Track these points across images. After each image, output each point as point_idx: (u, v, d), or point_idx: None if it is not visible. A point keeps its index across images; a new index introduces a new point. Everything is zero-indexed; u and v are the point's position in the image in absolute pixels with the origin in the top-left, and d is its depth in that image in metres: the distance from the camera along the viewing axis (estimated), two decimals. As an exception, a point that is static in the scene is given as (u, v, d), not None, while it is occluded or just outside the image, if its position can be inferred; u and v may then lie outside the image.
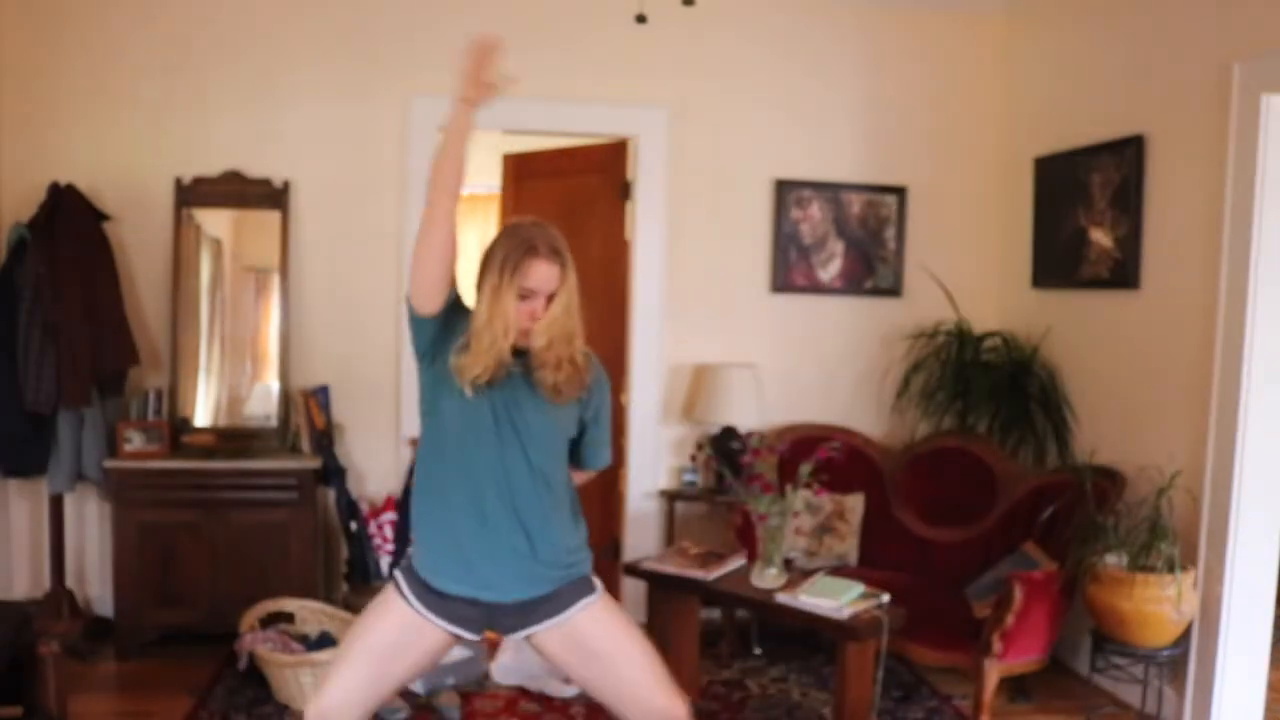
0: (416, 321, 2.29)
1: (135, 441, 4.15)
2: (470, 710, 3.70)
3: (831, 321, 4.85)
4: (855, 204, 4.82)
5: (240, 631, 3.79)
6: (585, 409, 2.36)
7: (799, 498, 3.60)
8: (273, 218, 4.43)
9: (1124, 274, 4.01)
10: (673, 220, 4.69)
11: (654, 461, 4.73)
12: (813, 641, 4.37)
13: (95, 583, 4.42)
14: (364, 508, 4.30)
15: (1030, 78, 4.73)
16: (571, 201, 4.99)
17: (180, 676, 3.91)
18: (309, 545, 4.18)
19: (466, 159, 2.21)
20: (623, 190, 4.80)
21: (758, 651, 4.34)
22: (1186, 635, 3.55)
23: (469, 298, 2.33)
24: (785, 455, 4.21)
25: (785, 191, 4.75)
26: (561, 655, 2.39)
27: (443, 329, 2.28)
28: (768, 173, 4.75)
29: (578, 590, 2.37)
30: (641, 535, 4.69)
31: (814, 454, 3.51)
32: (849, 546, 4.36)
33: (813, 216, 4.79)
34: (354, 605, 4.12)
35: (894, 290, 4.88)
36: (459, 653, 4.03)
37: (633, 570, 3.78)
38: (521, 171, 5.25)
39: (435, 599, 2.32)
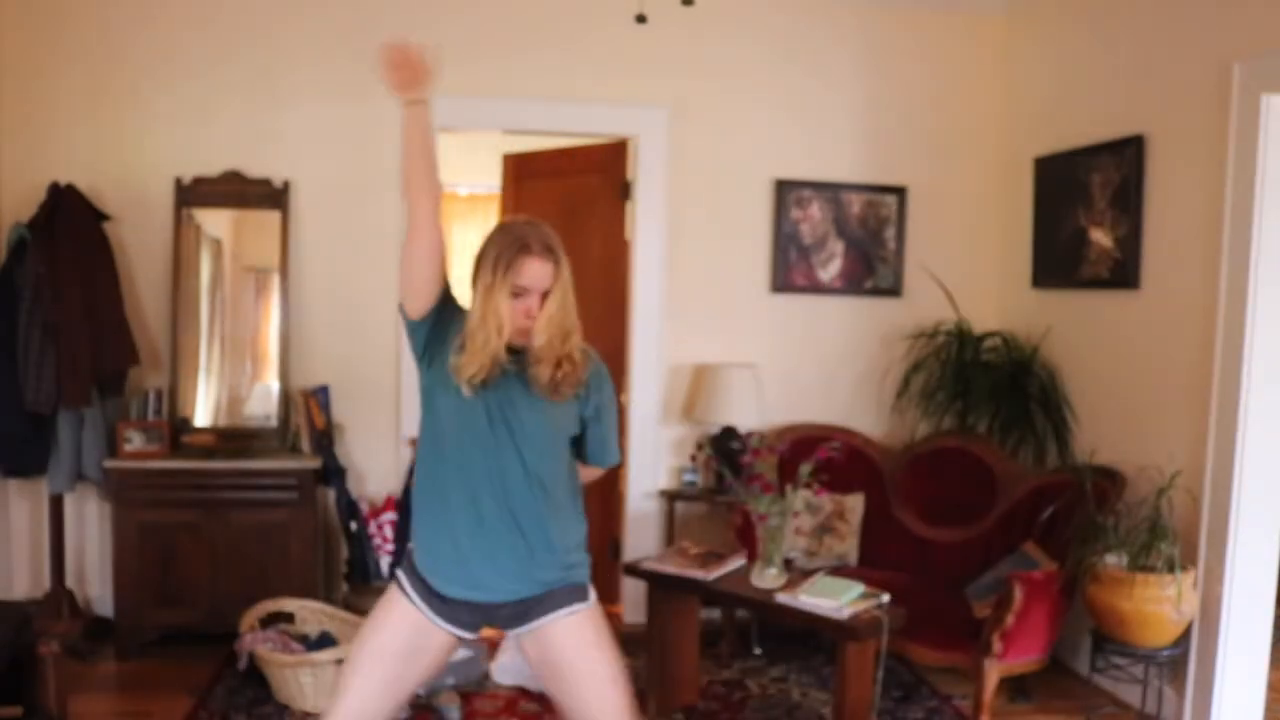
0: (410, 325, 2.30)
1: (135, 441, 4.15)
2: (470, 710, 3.70)
3: (831, 321, 4.85)
4: (855, 204, 4.82)
5: (240, 631, 3.79)
6: (584, 406, 2.35)
7: (799, 498, 3.60)
8: (273, 218, 4.43)
9: (1124, 274, 4.01)
10: (673, 220, 4.69)
11: (654, 461, 4.73)
12: (813, 641, 4.38)
13: (95, 583, 4.42)
14: (364, 508, 4.30)
15: (1030, 78, 4.73)
16: (571, 201, 4.99)
17: (180, 676, 3.92)
18: (309, 545, 4.18)
19: (435, 156, 2.21)
20: (623, 190, 4.80)
21: (758, 651, 4.34)
22: (1186, 635, 3.55)
23: (464, 298, 2.32)
24: (785, 455, 4.21)
25: (785, 191, 4.75)
26: (534, 658, 2.38)
27: (435, 330, 2.27)
28: (768, 173, 4.75)
29: (569, 596, 2.34)
30: (641, 535, 4.69)
31: (814, 454, 3.51)
32: (849, 546, 4.36)
33: (813, 216, 4.79)
34: (354, 605, 4.12)
35: (894, 290, 4.88)
36: (459, 653, 4.03)
37: (633, 570, 3.78)
38: (521, 171, 5.25)
39: (437, 601, 2.32)
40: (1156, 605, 3.41)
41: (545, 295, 2.22)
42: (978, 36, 4.88)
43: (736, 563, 3.66)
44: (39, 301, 3.98)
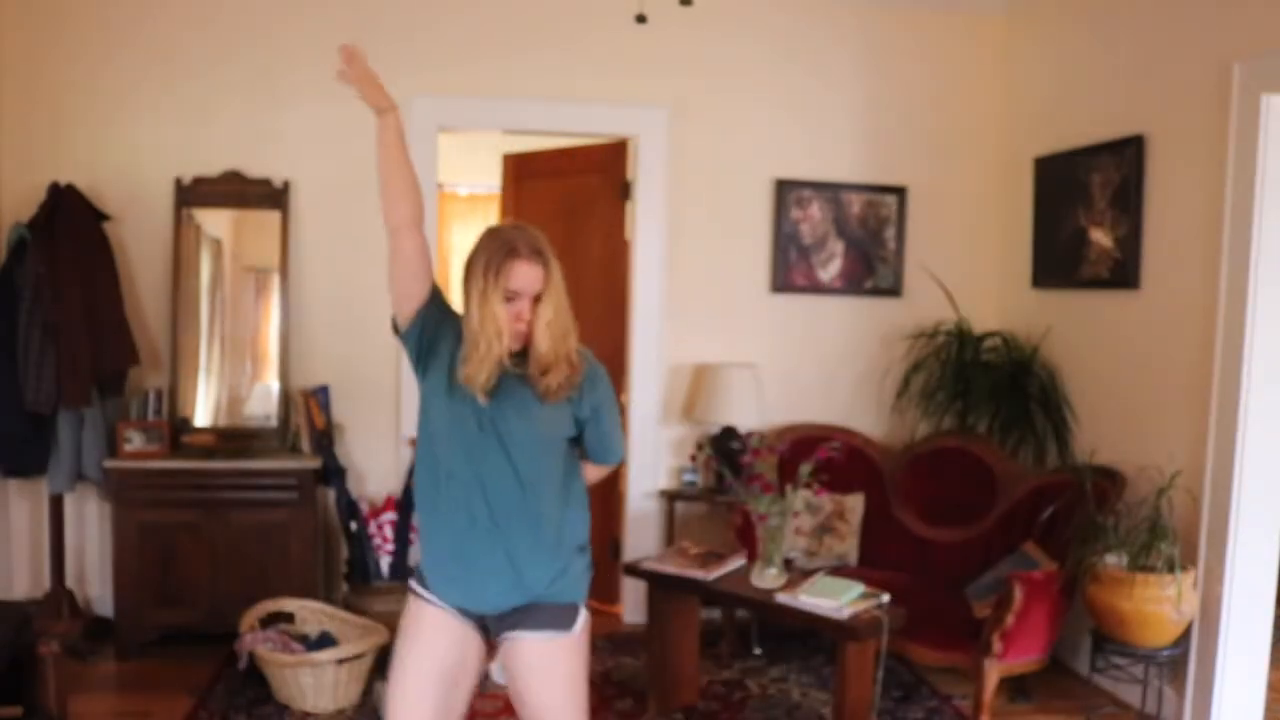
0: (402, 336, 2.30)
1: (135, 441, 4.15)
2: (470, 710, 3.69)
3: (831, 321, 4.85)
4: (855, 204, 4.82)
5: (240, 631, 3.79)
6: (579, 407, 2.32)
7: (799, 498, 3.60)
8: (273, 218, 4.43)
9: (1124, 274, 4.01)
10: (673, 220, 4.69)
11: (654, 461, 4.73)
12: (813, 641, 4.38)
13: (95, 583, 4.42)
14: (364, 508, 4.30)
15: (1030, 78, 4.73)
16: (571, 201, 4.99)
17: (180, 676, 3.92)
18: (309, 545, 4.18)
19: (410, 161, 2.24)
20: (623, 190, 4.80)
21: (758, 651, 4.34)
22: (1186, 635, 3.55)
23: (456, 304, 2.32)
24: (785, 455, 4.21)
25: (785, 191, 4.75)
26: (504, 660, 2.35)
27: (424, 335, 2.27)
28: (768, 173, 4.75)
29: (555, 618, 2.29)
30: (641, 535, 4.69)
31: (814, 454, 3.51)
32: (849, 546, 4.36)
33: (813, 216, 4.79)
34: (354, 605, 4.12)
35: (894, 290, 4.88)
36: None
37: (633, 570, 3.78)
38: (521, 171, 5.25)
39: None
40: (1156, 605, 3.41)
41: (537, 299, 2.21)
42: (978, 36, 4.88)
43: (736, 563, 3.66)
44: (39, 301, 3.97)
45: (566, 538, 2.32)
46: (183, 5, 4.36)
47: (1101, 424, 4.17)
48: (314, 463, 4.22)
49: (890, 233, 4.86)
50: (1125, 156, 4.00)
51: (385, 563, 4.25)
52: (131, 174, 4.35)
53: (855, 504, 4.42)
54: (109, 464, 4.10)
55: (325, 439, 4.32)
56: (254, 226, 4.48)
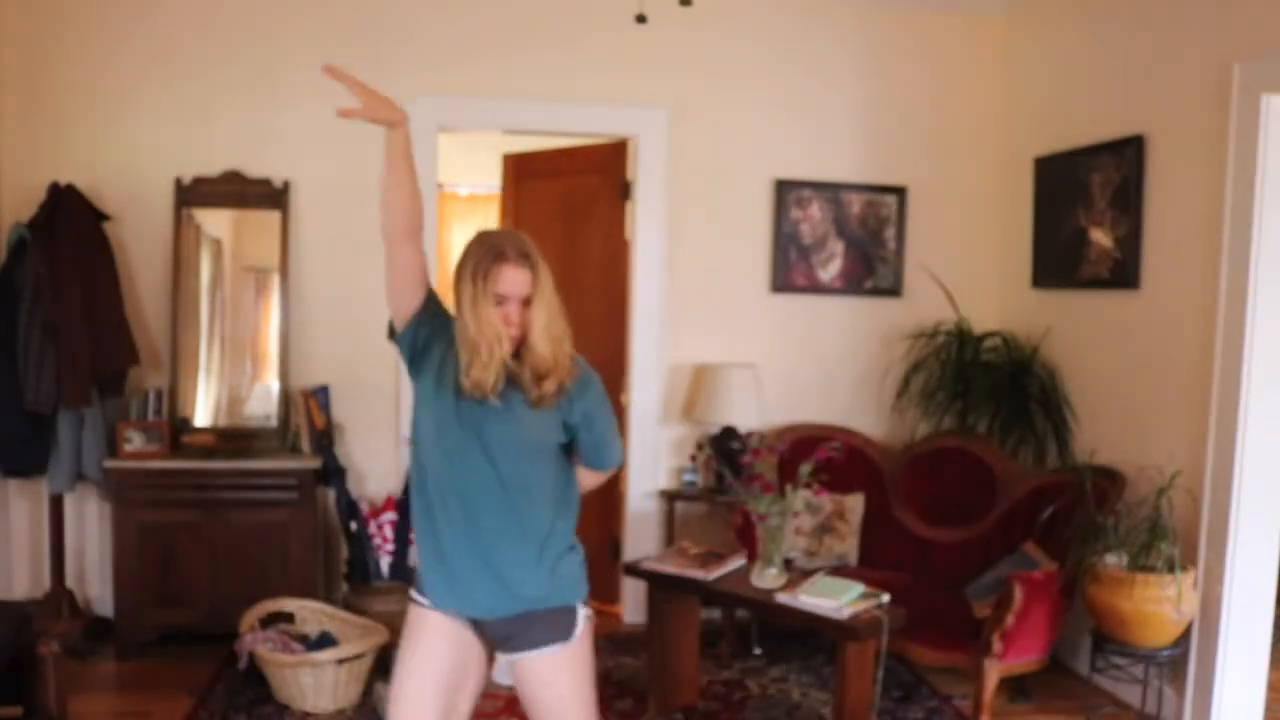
0: (398, 341, 2.31)
1: (135, 441, 4.15)
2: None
3: (831, 321, 4.85)
4: (855, 204, 4.82)
5: (240, 631, 3.79)
6: (568, 413, 2.30)
7: (799, 498, 3.60)
8: (273, 218, 4.43)
9: (1124, 274, 4.01)
10: (673, 220, 4.69)
11: (654, 461, 4.73)
12: (813, 641, 4.38)
13: (95, 583, 4.42)
14: (364, 508, 4.30)
15: (1030, 78, 4.73)
16: (571, 201, 4.99)
17: (180, 676, 3.92)
18: (309, 545, 4.18)
19: (414, 179, 2.24)
20: (623, 190, 4.80)
21: (758, 651, 4.34)
22: (1186, 635, 3.55)
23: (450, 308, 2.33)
24: (785, 455, 4.21)
25: (785, 191, 4.75)
26: (514, 675, 2.37)
27: (417, 340, 2.28)
28: (768, 173, 4.75)
29: (553, 628, 2.30)
30: (641, 535, 4.69)
31: (814, 454, 3.51)
32: (849, 546, 4.36)
33: (813, 216, 4.79)
34: (354, 605, 4.12)
35: (894, 290, 4.88)
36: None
37: (633, 570, 3.78)
38: (521, 171, 5.25)
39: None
40: (1156, 605, 3.41)
41: (527, 302, 2.21)
42: (978, 36, 4.88)
43: (736, 563, 3.66)
44: (39, 301, 3.97)
45: (552, 545, 2.30)
46: (183, 5, 4.36)
47: (1101, 424, 4.17)
48: (314, 463, 4.22)
49: (890, 233, 4.86)
50: (1125, 156, 4.00)
51: (385, 563, 4.25)
52: (131, 174, 4.35)
53: (855, 504, 4.42)
54: (109, 464, 4.10)
55: (325, 439, 4.32)
56: (254, 226, 4.48)
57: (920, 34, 4.82)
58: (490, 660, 2.40)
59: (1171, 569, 3.40)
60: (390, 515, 4.28)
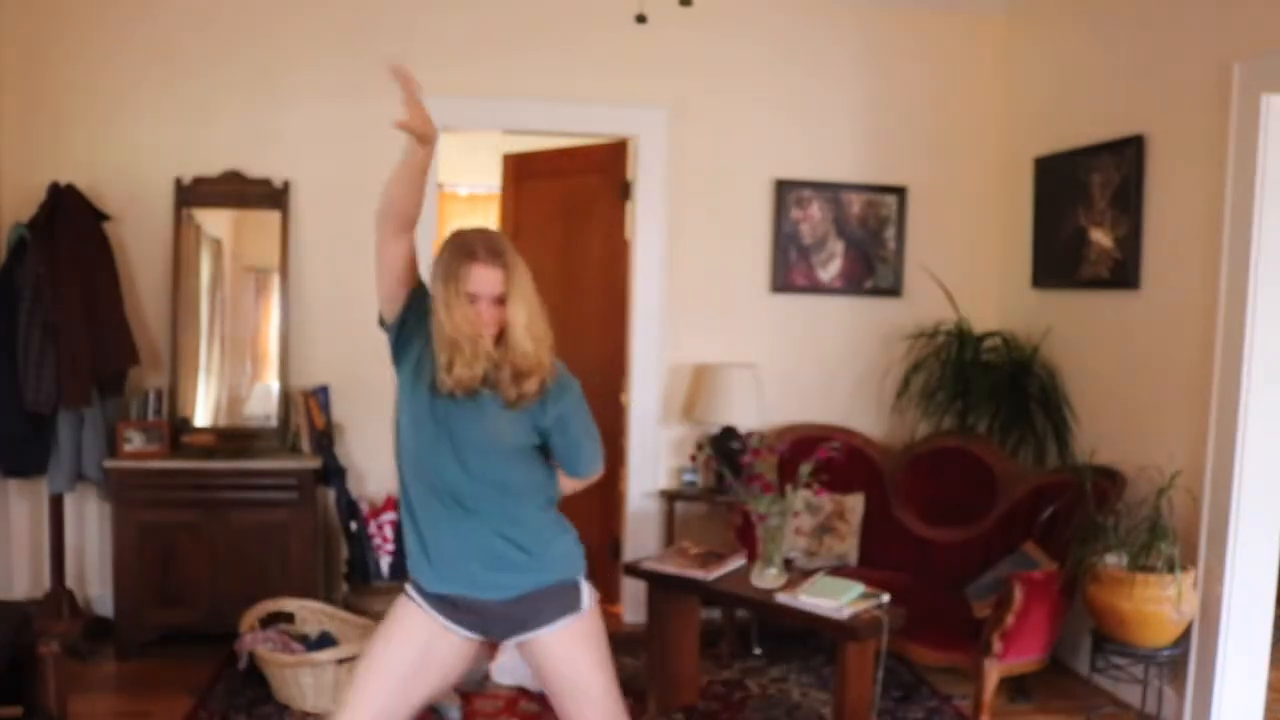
0: (384, 328, 2.36)
1: (135, 441, 4.15)
2: (470, 710, 3.70)
3: (831, 321, 4.85)
4: (855, 204, 4.82)
5: (240, 631, 3.79)
6: (540, 417, 2.30)
7: (799, 498, 3.60)
8: (273, 218, 4.43)
9: (1124, 274, 4.01)
10: (673, 220, 4.69)
11: (654, 461, 4.73)
12: (813, 641, 4.38)
13: (95, 583, 4.42)
14: (364, 508, 4.31)
15: (1030, 78, 4.73)
16: (571, 201, 4.99)
17: (180, 676, 3.92)
18: (309, 545, 4.18)
19: (423, 188, 2.24)
20: (623, 190, 4.80)
21: (758, 651, 4.34)
22: (1186, 635, 3.55)
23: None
24: (785, 455, 4.21)
25: (785, 191, 4.75)
26: (529, 662, 2.42)
27: (401, 334, 2.32)
28: (768, 173, 4.75)
29: (560, 603, 2.34)
30: (641, 535, 4.69)
31: (814, 454, 3.51)
32: (849, 546, 4.36)
33: (813, 216, 4.79)
34: (354, 605, 4.12)
35: (894, 290, 4.88)
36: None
37: (633, 570, 3.78)
38: (521, 171, 5.25)
39: (441, 604, 2.33)
40: (1156, 605, 3.41)
41: (501, 301, 2.22)
42: (978, 36, 4.88)
43: (736, 563, 3.66)
44: (39, 301, 3.97)
45: (538, 531, 2.34)
46: (183, 5, 4.36)
47: (1101, 424, 4.17)
48: (314, 463, 4.22)
49: (890, 233, 4.86)
50: (1125, 156, 4.00)
51: (385, 563, 4.26)
52: (131, 174, 4.35)
53: (855, 504, 4.42)
54: (109, 464, 4.10)
55: (325, 439, 4.32)
56: (254, 226, 4.48)
57: (920, 34, 4.82)
58: (469, 660, 2.42)
59: (1171, 569, 3.40)
60: (390, 515, 4.28)
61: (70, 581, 4.31)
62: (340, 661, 3.61)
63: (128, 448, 4.14)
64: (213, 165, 4.39)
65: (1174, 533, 3.48)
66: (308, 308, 4.49)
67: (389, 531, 4.27)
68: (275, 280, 4.45)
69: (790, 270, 4.79)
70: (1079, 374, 4.34)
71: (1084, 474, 3.80)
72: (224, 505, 4.13)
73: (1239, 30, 3.48)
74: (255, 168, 4.42)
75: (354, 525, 4.24)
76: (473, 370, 2.19)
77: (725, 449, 4.45)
